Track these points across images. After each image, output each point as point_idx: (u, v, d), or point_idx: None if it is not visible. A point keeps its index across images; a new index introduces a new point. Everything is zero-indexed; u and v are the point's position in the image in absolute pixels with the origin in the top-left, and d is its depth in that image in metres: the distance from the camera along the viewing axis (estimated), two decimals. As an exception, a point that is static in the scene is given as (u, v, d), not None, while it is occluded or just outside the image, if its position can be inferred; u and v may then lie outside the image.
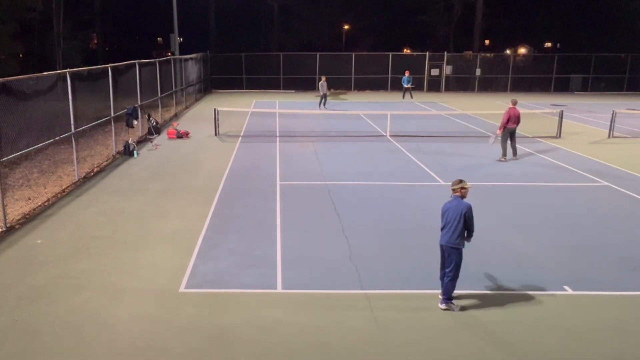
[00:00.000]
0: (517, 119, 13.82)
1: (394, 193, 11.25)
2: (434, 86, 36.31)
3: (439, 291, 6.83)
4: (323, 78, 24.09)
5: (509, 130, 13.94)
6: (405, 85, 28.62)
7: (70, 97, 11.69)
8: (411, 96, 28.55)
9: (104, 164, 13.73)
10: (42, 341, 5.66)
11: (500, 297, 6.71)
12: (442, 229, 6.31)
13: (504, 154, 14.13)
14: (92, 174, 12.71)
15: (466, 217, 6.15)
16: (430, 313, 6.30)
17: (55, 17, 31.00)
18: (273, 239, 8.49)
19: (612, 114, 18.49)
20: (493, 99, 31.01)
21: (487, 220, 9.58)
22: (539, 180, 12.43)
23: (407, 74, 28.72)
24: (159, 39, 56.02)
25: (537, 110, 24.66)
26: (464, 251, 6.31)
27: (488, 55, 40.05)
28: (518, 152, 14.58)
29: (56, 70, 17.89)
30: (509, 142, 14.11)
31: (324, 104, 24.25)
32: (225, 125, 19.16)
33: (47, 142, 11.19)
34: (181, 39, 33.38)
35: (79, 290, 6.77)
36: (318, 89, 23.34)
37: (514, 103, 14.03)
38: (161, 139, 17.10)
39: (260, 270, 7.36)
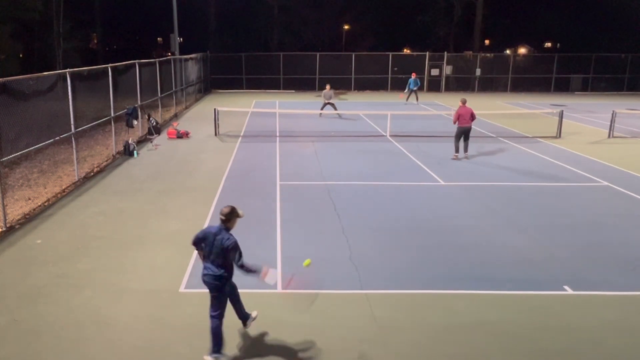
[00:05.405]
0: (469, 117, 13.92)
1: (394, 193, 11.25)
2: (434, 86, 36.32)
3: (439, 291, 6.84)
4: (327, 87, 22.84)
5: (460, 130, 14.04)
6: (413, 88, 27.84)
7: (70, 97, 11.69)
8: (416, 99, 27.93)
9: (104, 164, 13.73)
10: (42, 341, 5.66)
11: (500, 297, 6.71)
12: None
13: (456, 151, 14.27)
14: (92, 174, 12.71)
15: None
16: (430, 313, 6.29)
17: (55, 17, 30.97)
18: (273, 239, 8.49)
19: (612, 114, 18.49)
20: (493, 99, 31.02)
21: (487, 220, 9.59)
22: (539, 180, 12.43)
23: (413, 75, 28.11)
24: (159, 39, 56.01)
25: (537, 110, 24.68)
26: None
27: (488, 55, 40.05)
28: (518, 152, 14.58)
29: (56, 70, 17.87)
30: (462, 139, 14.17)
31: (334, 109, 22.58)
32: (225, 125, 19.15)
33: (47, 142, 11.18)
34: (181, 39, 33.36)
35: (79, 290, 6.77)
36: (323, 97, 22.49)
37: (464, 102, 14.14)
38: (161, 139, 17.10)
39: (260, 270, 7.35)
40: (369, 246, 8.29)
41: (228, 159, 14.38)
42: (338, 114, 22.16)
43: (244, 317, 5.69)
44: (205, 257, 5.25)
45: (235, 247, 5.15)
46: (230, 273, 5.29)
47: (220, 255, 5.15)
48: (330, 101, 22.13)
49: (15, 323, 6.00)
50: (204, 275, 5.24)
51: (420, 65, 35.55)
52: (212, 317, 5.31)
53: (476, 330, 5.93)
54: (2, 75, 9.31)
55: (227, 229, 5.17)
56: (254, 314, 5.79)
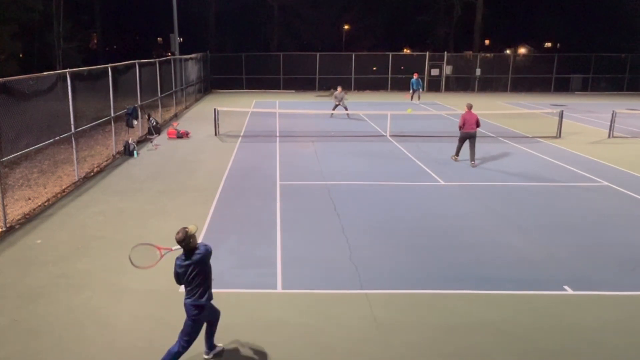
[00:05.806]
0: (474, 123, 13.76)
1: (394, 193, 11.25)
2: (434, 86, 36.31)
3: (439, 291, 6.83)
4: (339, 88, 22.77)
5: (464, 134, 13.89)
6: (416, 88, 28.04)
7: (70, 97, 11.70)
8: (418, 98, 28.16)
9: (104, 164, 13.73)
10: (42, 341, 5.66)
11: (500, 297, 6.71)
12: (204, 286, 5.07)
13: (456, 153, 14.27)
14: (92, 174, 12.71)
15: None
16: (430, 313, 6.29)
17: (55, 17, 30.97)
18: (273, 239, 8.49)
19: (612, 114, 18.49)
20: (493, 99, 31.02)
21: (487, 220, 9.59)
22: (539, 180, 12.43)
23: (415, 76, 28.22)
24: (159, 39, 56.01)
25: (537, 110, 24.68)
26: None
27: (488, 55, 40.04)
28: (518, 152, 14.56)
29: (56, 70, 17.87)
30: (467, 145, 13.96)
31: (345, 109, 22.38)
32: (225, 125, 19.15)
33: (47, 142, 11.18)
34: (181, 39, 33.36)
35: (79, 290, 6.77)
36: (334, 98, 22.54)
37: (469, 107, 13.96)
38: (161, 139, 17.10)
39: (260, 270, 7.36)
40: (369, 246, 8.29)
41: (228, 159, 14.38)
42: (347, 114, 22.15)
43: (212, 345, 5.42)
44: (208, 286, 5.07)
45: (208, 253, 5.07)
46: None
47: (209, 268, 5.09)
48: (342, 102, 22.13)
49: (15, 323, 6.00)
50: (207, 299, 5.06)
51: (420, 65, 35.53)
52: (185, 342, 5.05)
53: (476, 330, 5.94)
54: (2, 75, 9.32)
55: (194, 249, 5.01)
56: (221, 346, 5.52)
